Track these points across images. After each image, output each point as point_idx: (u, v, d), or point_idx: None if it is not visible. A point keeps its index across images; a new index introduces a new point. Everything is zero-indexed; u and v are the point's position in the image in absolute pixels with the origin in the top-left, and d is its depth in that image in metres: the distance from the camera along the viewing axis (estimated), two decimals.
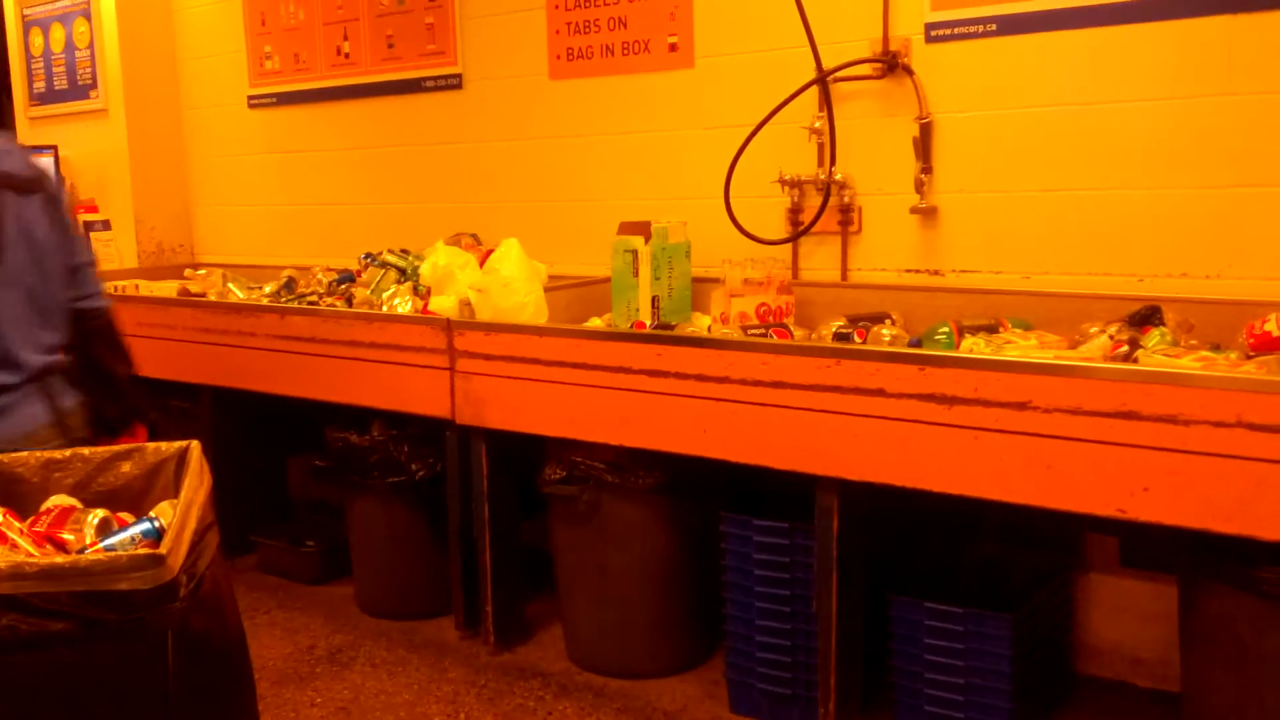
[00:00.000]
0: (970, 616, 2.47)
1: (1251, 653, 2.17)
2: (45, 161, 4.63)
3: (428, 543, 3.39)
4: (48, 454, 2.04)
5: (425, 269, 3.42)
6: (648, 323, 3.08)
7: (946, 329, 2.72)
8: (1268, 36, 2.56)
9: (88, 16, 4.82)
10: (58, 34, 4.99)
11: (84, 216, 4.82)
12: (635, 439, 2.73)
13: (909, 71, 3.02)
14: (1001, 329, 2.69)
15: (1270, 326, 2.34)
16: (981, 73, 2.95)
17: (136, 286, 4.19)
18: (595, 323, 3.22)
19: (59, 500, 1.96)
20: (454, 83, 4.01)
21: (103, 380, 2.39)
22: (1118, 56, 2.75)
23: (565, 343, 2.83)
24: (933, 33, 3.00)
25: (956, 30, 2.97)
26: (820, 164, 3.21)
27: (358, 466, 3.36)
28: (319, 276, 3.96)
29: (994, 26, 2.91)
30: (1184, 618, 2.40)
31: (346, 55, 4.30)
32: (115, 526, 1.87)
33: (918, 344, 2.66)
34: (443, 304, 3.26)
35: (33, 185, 2.19)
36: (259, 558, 3.91)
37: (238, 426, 3.89)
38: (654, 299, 3.13)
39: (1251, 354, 2.32)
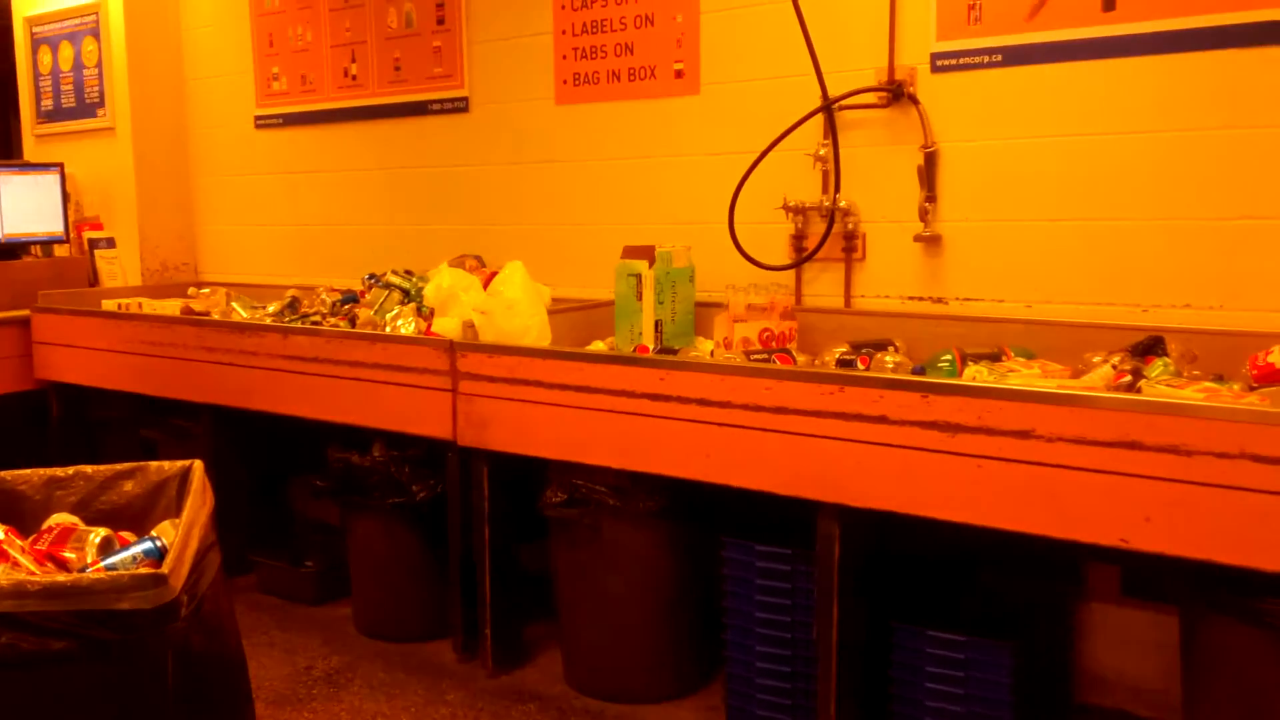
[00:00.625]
0: (972, 645, 2.46)
1: (1253, 684, 2.16)
2: (51, 179, 4.65)
3: (427, 564, 3.38)
4: (50, 471, 2.04)
5: (429, 290, 3.44)
6: (651, 347, 3.09)
7: (950, 357, 2.72)
8: (1272, 71, 2.58)
9: (96, 35, 4.85)
10: (66, 52, 5.02)
11: (89, 234, 4.83)
12: (637, 463, 2.73)
13: (914, 100, 3.04)
14: (1004, 357, 2.70)
15: (1274, 358, 2.34)
16: (986, 103, 2.96)
17: (140, 304, 4.19)
18: (598, 346, 3.22)
19: (61, 518, 1.97)
20: (460, 106, 4.03)
21: None
22: (1122, 88, 2.77)
23: (568, 366, 2.83)
24: (938, 62, 3.02)
25: (962, 60, 2.99)
26: (824, 191, 3.22)
27: (358, 487, 3.35)
28: (323, 297, 3.96)
29: (999, 57, 2.93)
30: (1185, 648, 2.39)
31: (354, 77, 4.32)
32: (117, 546, 1.88)
33: (921, 371, 2.66)
34: (446, 326, 3.27)
35: None
36: (258, 577, 3.90)
37: (239, 446, 3.89)
38: (657, 323, 3.14)
39: (1255, 385, 2.33)
